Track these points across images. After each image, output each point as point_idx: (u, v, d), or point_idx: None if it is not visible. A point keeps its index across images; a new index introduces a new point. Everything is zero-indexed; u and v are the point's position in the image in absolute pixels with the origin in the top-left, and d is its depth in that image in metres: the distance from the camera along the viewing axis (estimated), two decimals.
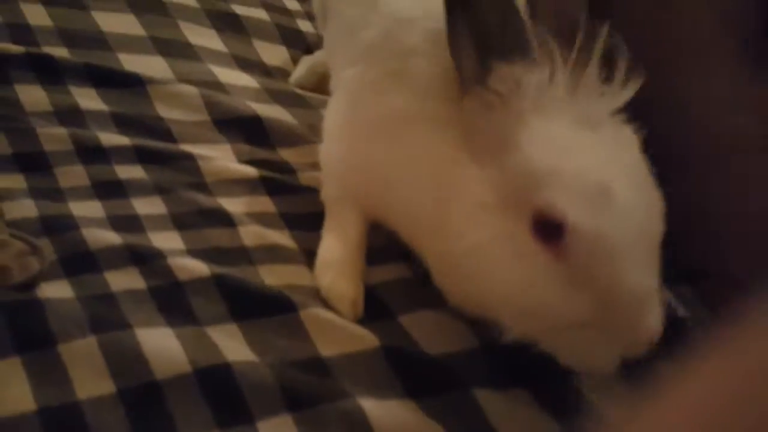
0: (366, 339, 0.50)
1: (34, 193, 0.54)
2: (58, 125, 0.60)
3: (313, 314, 0.50)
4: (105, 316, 0.47)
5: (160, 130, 0.64)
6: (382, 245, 0.56)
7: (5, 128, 0.58)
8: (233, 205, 0.58)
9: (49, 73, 0.64)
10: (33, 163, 0.57)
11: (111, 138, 0.60)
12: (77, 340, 0.45)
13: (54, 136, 0.59)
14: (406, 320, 0.52)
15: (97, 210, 0.55)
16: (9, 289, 0.47)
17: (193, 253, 0.53)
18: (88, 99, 0.64)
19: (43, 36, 0.68)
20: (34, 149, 0.57)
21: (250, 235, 0.55)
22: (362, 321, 0.52)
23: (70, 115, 0.62)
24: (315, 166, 0.61)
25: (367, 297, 0.53)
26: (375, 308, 0.53)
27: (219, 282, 0.50)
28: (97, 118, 0.62)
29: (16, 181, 0.55)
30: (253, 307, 0.50)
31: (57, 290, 0.48)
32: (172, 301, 0.49)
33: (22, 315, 0.45)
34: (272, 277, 0.53)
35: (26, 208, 0.52)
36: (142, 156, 0.60)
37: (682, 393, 0.26)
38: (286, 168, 0.63)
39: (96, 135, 0.60)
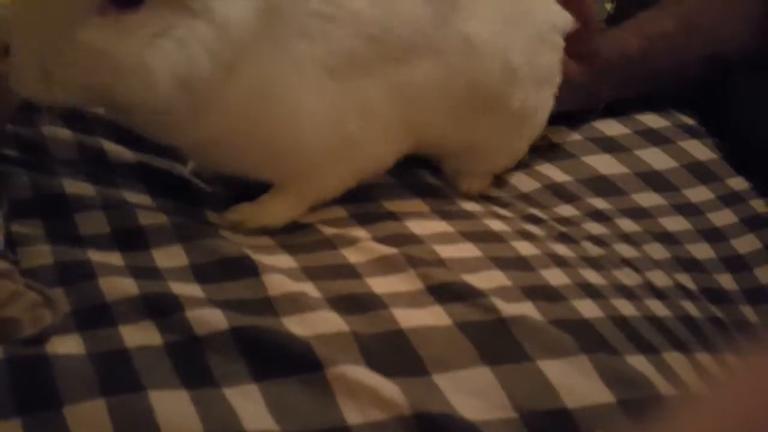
0: (397, 404, 0.46)
1: (52, 238, 0.52)
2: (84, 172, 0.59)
3: (339, 374, 0.47)
4: (116, 376, 0.44)
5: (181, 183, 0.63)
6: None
7: (29, 171, 0.57)
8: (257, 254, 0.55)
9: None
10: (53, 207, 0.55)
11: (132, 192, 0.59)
12: (85, 401, 0.42)
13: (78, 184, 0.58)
14: (443, 380, 0.48)
15: (116, 258, 0.53)
16: (18, 343, 0.45)
17: (213, 303, 0.50)
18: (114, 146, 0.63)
19: None
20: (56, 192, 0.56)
21: (275, 283, 0.53)
22: (394, 377, 0.47)
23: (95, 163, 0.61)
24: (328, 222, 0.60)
25: (399, 346, 0.50)
26: (407, 362, 0.49)
27: (239, 336, 0.47)
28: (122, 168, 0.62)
29: (32, 226, 0.53)
30: (275, 364, 0.47)
31: (68, 345, 0.45)
32: (189, 359, 0.46)
33: (28, 372, 0.43)
34: (299, 326, 0.50)
35: (42, 255, 0.50)
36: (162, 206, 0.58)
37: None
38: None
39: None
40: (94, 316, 0.48)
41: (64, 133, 0.61)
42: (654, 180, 0.76)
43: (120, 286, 0.49)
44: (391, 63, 0.57)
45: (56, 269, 0.50)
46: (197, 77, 0.48)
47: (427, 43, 0.58)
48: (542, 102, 0.70)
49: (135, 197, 0.58)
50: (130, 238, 0.54)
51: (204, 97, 0.49)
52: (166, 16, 0.47)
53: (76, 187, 0.57)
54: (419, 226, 0.62)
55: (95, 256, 0.51)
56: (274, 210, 0.61)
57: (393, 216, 0.64)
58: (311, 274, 0.55)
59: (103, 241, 0.54)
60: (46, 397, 0.42)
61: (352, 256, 0.57)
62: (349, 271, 0.56)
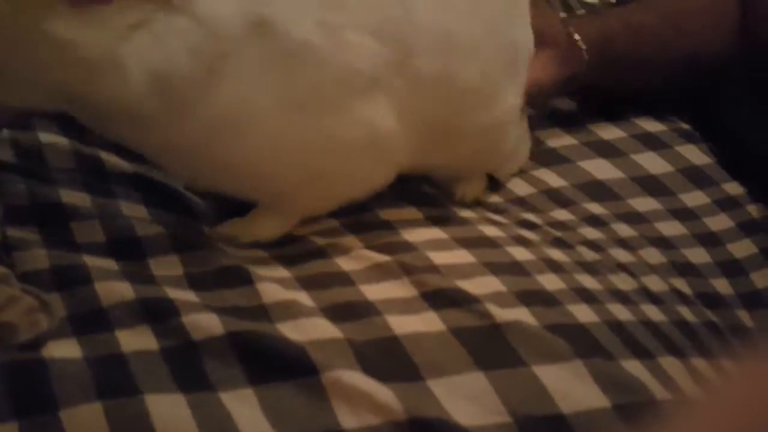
0: (392, 409, 0.46)
1: (48, 243, 0.52)
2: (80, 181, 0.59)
3: (335, 378, 0.47)
4: (113, 380, 0.44)
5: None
6: None
7: (25, 178, 0.57)
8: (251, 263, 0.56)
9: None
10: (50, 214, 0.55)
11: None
12: (81, 405, 0.42)
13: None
14: (438, 386, 0.48)
15: (111, 264, 0.53)
16: (14, 348, 0.45)
17: (209, 308, 0.50)
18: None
19: None
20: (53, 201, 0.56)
21: (268, 291, 0.52)
22: (388, 382, 0.48)
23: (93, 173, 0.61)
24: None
25: (394, 352, 0.50)
26: (402, 367, 0.49)
27: (234, 341, 0.48)
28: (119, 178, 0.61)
29: (28, 232, 0.53)
30: (271, 369, 0.47)
31: (64, 350, 0.45)
32: (185, 363, 0.46)
33: (25, 376, 0.43)
34: (294, 332, 0.50)
35: (38, 259, 0.51)
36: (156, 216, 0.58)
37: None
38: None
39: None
40: (90, 320, 0.48)
41: (62, 141, 0.61)
42: (650, 184, 0.76)
43: (116, 290, 0.49)
44: (356, 99, 0.54)
45: (52, 274, 0.50)
46: (175, 76, 0.44)
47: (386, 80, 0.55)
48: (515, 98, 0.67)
49: (131, 208, 0.58)
50: (126, 247, 0.54)
51: (180, 100, 0.46)
52: (143, 8, 0.43)
53: (72, 196, 0.57)
54: (413, 234, 0.62)
55: (91, 261, 0.52)
56: (264, 225, 0.60)
57: (387, 224, 0.64)
58: (305, 283, 0.55)
59: (99, 249, 0.54)
60: (43, 400, 0.42)
61: (345, 264, 0.57)
62: (343, 279, 0.56)
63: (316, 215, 0.62)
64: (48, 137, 0.61)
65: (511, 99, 0.65)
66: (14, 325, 0.45)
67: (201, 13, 0.45)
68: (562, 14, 0.97)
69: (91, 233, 0.55)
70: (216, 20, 0.45)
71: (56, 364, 0.44)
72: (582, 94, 0.83)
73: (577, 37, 0.78)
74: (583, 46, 0.77)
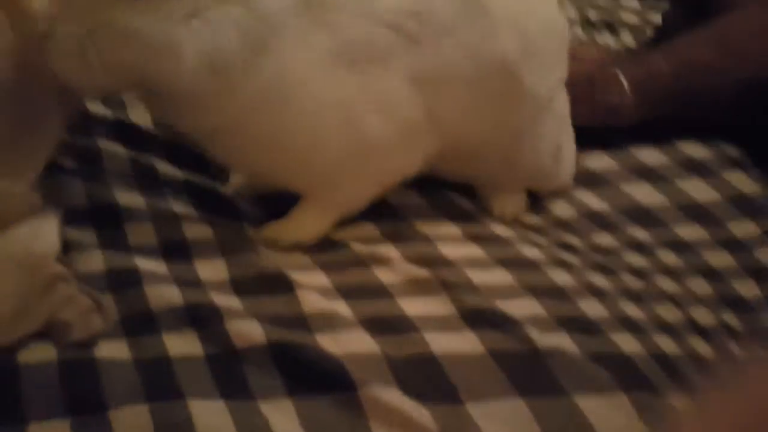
0: (428, 430, 0.46)
1: (104, 244, 0.54)
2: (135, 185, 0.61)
3: (372, 396, 0.47)
4: (160, 383, 0.46)
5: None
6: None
7: (84, 180, 0.59)
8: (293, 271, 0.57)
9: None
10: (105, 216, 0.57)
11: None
12: (129, 406, 0.43)
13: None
14: (476, 409, 0.48)
15: (162, 268, 0.55)
16: (69, 346, 0.47)
17: (252, 315, 0.51)
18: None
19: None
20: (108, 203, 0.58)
21: (309, 300, 0.53)
22: (425, 402, 0.48)
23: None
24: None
25: (431, 371, 0.50)
26: (439, 387, 0.49)
27: (275, 350, 0.49)
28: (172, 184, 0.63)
29: (86, 233, 0.55)
30: (309, 381, 0.48)
31: (114, 351, 0.47)
32: (228, 370, 0.48)
33: (78, 375, 0.45)
34: (332, 344, 0.50)
35: (94, 261, 0.53)
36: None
37: None
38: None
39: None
40: (140, 323, 0.49)
41: (119, 148, 0.64)
42: (696, 212, 0.75)
43: (165, 295, 0.51)
44: (411, 50, 0.56)
45: (106, 276, 0.52)
46: (225, 56, 0.48)
47: (448, 26, 0.57)
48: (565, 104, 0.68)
49: (182, 209, 0.60)
50: (176, 250, 0.56)
51: (229, 77, 0.49)
52: (201, 2, 0.48)
53: (127, 197, 0.59)
54: (451, 249, 0.62)
55: (143, 264, 0.53)
56: (304, 224, 0.61)
57: (425, 237, 0.64)
58: (344, 292, 0.56)
59: (150, 251, 0.55)
60: (94, 400, 0.43)
61: (384, 275, 0.58)
62: (381, 292, 0.56)
63: (354, 209, 0.62)
64: (106, 144, 0.64)
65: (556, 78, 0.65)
66: (70, 324, 0.47)
67: (254, 3, 0.49)
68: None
69: (143, 235, 0.57)
70: (266, 6, 0.50)
71: (107, 364, 0.46)
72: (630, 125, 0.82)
73: (622, 77, 0.77)
74: (624, 82, 0.77)
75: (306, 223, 0.61)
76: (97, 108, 0.67)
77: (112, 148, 0.64)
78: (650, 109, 0.79)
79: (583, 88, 0.75)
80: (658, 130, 0.82)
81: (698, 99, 0.81)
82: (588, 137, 0.76)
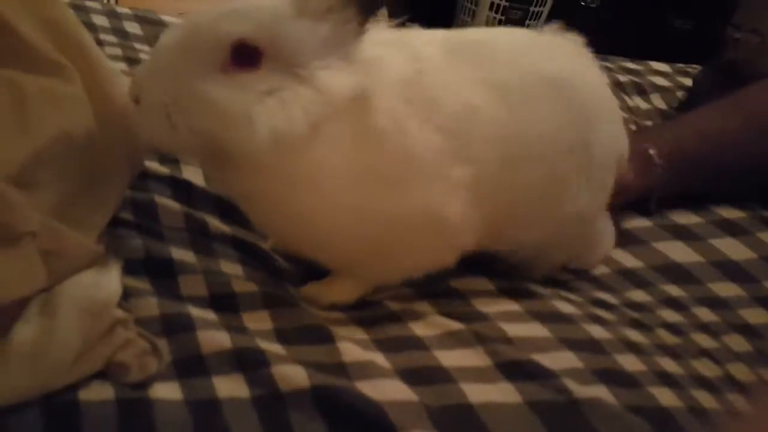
0: None
1: (158, 292, 0.57)
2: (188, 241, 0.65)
3: None
4: (208, 423, 0.47)
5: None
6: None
7: (141, 234, 0.63)
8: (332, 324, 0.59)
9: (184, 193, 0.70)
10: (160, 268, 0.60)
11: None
12: None
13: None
14: None
15: (210, 315, 0.57)
16: (126, 386, 0.49)
17: (296, 361, 0.53)
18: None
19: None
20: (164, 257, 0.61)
21: (348, 351, 0.55)
22: None
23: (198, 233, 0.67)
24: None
25: (469, 421, 0.51)
26: (474, 430, 0.50)
27: (318, 394, 0.50)
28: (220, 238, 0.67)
29: (142, 282, 0.58)
30: (351, 426, 0.49)
31: (167, 391, 0.49)
32: (273, 413, 0.49)
33: (133, 414, 0.47)
34: (372, 392, 0.52)
35: (150, 307, 0.55)
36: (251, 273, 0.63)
37: None
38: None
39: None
40: (191, 365, 0.52)
41: (173, 204, 0.68)
42: (731, 270, 0.75)
43: (216, 339, 0.53)
44: (419, 182, 0.57)
45: (161, 321, 0.55)
46: (291, 133, 0.52)
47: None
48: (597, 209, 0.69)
49: (229, 266, 0.63)
50: (224, 301, 0.59)
51: (286, 152, 0.53)
52: (277, 79, 0.52)
53: (180, 253, 0.62)
54: (485, 304, 0.64)
55: (195, 311, 0.56)
56: (340, 290, 0.64)
57: (458, 294, 0.65)
58: (381, 345, 0.57)
59: (201, 302, 0.58)
60: None
61: (419, 329, 0.59)
62: (417, 344, 0.58)
63: (390, 283, 0.65)
64: (162, 200, 0.68)
65: (585, 198, 0.65)
66: (128, 366, 0.49)
67: (320, 84, 0.53)
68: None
69: (195, 287, 0.60)
70: (331, 90, 0.53)
71: (160, 404, 0.48)
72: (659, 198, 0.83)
73: (652, 152, 0.80)
74: (659, 161, 0.79)
75: (341, 289, 0.64)
76: (154, 166, 0.72)
77: (167, 203, 0.68)
78: (679, 182, 0.81)
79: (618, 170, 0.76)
80: (687, 200, 0.83)
81: (726, 170, 0.83)
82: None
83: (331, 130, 0.54)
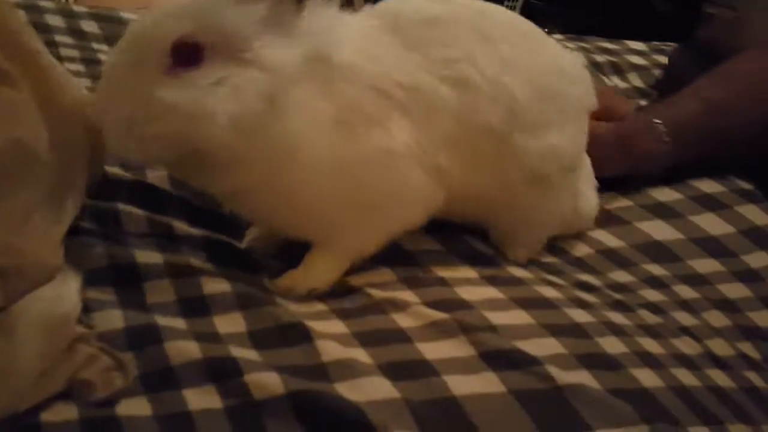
0: None
1: (122, 303, 0.55)
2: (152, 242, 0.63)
3: None
4: None
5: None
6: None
7: (103, 241, 0.61)
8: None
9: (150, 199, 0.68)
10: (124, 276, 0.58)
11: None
12: None
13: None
14: None
15: (180, 323, 0.55)
16: (90, 405, 0.47)
17: (271, 367, 0.52)
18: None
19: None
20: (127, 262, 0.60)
21: (327, 349, 0.54)
22: None
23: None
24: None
25: (453, 414, 0.50)
26: (462, 429, 0.49)
27: (295, 400, 0.49)
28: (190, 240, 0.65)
29: (105, 293, 0.56)
30: (329, 429, 0.48)
31: (135, 408, 0.48)
32: (248, 422, 0.48)
33: None
34: (352, 392, 0.50)
35: (114, 320, 0.54)
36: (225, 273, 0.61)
37: None
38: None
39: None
40: (160, 379, 0.50)
41: (137, 210, 0.66)
42: (710, 246, 0.75)
43: (185, 349, 0.51)
44: (403, 116, 0.60)
45: (126, 333, 0.53)
46: (249, 116, 0.53)
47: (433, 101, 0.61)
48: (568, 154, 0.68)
49: (199, 263, 0.61)
50: (194, 305, 0.57)
51: (251, 137, 0.54)
52: (222, 68, 0.53)
53: (146, 256, 0.60)
54: (469, 292, 0.63)
55: (162, 321, 0.54)
56: (316, 271, 0.63)
57: (442, 281, 0.64)
58: (363, 340, 0.56)
59: (169, 308, 0.56)
60: None
61: (402, 321, 0.58)
62: (401, 336, 0.57)
63: (365, 254, 0.64)
64: (125, 206, 0.65)
65: (555, 138, 0.66)
66: (92, 383, 0.47)
67: (266, 62, 0.54)
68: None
69: (162, 293, 0.58)
70: (276, 64, 0.54)
71: (128, 422, 0.46)
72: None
73: (657, 121, 0.80)
74: (663, 128, 0.80)
75: (318, 270, 0.63)
76: (116, 171, 0.69)
77: (130, 209, 0.65)
78: (683, 153, 0.81)
79: (622, 142, 0.77)
80: (682, 172, 0.83)
81: (723, 138, 0.83)
82: (604, 181, 0.77)
83: (296, 97, 0.55)
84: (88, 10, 1.02)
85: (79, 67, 0.86)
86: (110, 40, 0.95)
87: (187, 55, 0.53)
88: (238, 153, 0.54)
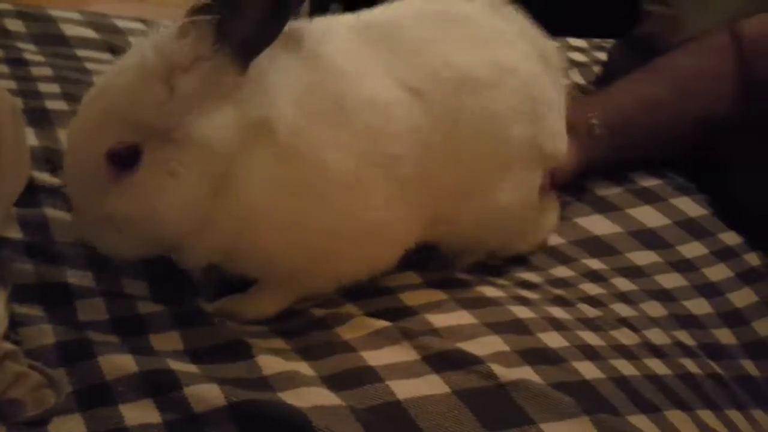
0: None
1: (53, 319, 0.53)
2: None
3: None
4: None
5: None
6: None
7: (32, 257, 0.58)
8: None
9: None
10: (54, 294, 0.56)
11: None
12: None
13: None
14: None
15: (113, 339, 0.53)
16: (21, 425, 0.45)
17: (210, 379, 0.50)
18: None
19: None
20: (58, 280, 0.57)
21: (269, 363, 0.53)
22: None
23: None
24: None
25: (398, 418, 0.50)
26: (403, 426, 0.49)
27: (236, 411, 0.48)
28: None
29: (34, 309, 0.54)
30: None
31: (69, 426, 0.46)
32: None
33: None
34: (296, 401, 0.50)
35: (44, 335, 0.51)
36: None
37: None
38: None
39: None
40: (94, 395, 0.48)
41: (67, 216, 0.63)
42: (647, 238, 0.77)
43: (119, 364, 0.50)
44: (345, 192, 0.57)
45: (57, 349, 0.51)
46: (199, 199, 0.53)
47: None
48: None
49: (133, 285, 0.60)
50: (129, 325, 0.55)
51: (203, 220, 0.54)
52: (160, 158, 0.52)
53: (77, 275, 0.58)
54: (412, 298, 0.63)
55: (95, 336, 0.52)
56: (262, 303, 0.61)
57: (386, 290, 0.64)
58: (305, 354, 0.56)
59: (102, 326, 0.54)
60: None
61: (345, 333, 0.58)
62: (344, 347, 0.56)
63: (314, 292, 0.62)
64: (54, 213, 0.63)
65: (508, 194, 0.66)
66: (22, 402, 0.45)
67: (197, 140, 0.52)
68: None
69: (94, 311, 0.56)
70: (210, 139, 0.52)
71: None
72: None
73: (595, 122, 0.80)
74: (600, 132, 0.80)
75: (264, 302, 0.61)
76: (44, 177, 0.66)
77: (60, 217, 0.63)
78: (619, 152, 0.82)
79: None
80: (619, 169, 0.84)
81: (658, 136, 0.85)
82: None
83: (247, 166, 0.54)
84: (14, 8, 0.97)
85: (4, 68, 0.82)
86: (37, 39, 0.91)
87: (124, 159, 0.52)
88: (200, 231, 0.54)
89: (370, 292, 0.64)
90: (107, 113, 0.53)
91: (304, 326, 0.59)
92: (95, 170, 0.52)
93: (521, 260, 0.73)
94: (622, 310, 0.68)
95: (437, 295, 0.64)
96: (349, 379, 0.53)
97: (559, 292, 0.68)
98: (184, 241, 0.55)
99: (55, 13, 0.99)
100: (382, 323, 0.59)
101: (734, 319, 0.71)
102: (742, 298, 0.73)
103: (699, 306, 0.71)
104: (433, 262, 0.68)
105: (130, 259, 0.58)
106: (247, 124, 0.53)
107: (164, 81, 0.52)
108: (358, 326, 0.59)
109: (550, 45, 0.71)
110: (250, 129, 0.53)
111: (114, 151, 0.52)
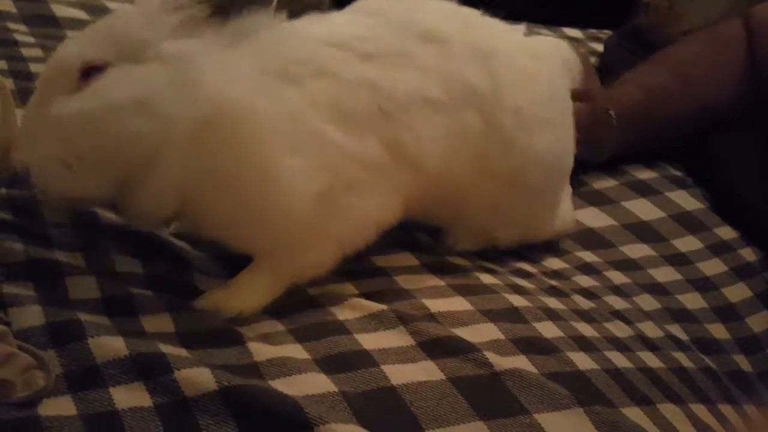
0: None
1: (43, 299, 0.52)
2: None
3: None
4: None
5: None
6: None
7: (22, 237, 0.57)
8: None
9: None
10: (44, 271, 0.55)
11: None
12: None
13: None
14: None
15: (104, 320, 0.53)
16: (10, 406, 0.44)
17: (202, 363, 0.49)
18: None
19: None
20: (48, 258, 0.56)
21: (260, 350, 0.52)
22: None
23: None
24: None
25: (391, 403, 0.49)
26: (400, 418, 0.49)
27: (227, 396, 0.47)
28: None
29: (24, 288, 0.53)
30: (264, 425, 0.46)
31: (59, 407, 0.45)
32: (179, 420, 0.46)
33: None
34: (287, 389, 0.49)
35: (34, 316, 0.50)
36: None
37: None
38: None
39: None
40: (85, 377, 0.47)
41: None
42: (642, 231, 0.77)
43: (110, 346, 0.49)
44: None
45: (47, 330, 0.50)
46: (157, 97, 0.52)
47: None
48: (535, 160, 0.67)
49: (125, 263, 0.58)
50: (120, 304, 0.54)
51: (166, 118, 0.53)
52: (126, 70, 0.53)
53: (68, 254, 0.57)
54: (408, 281, 0.63)
55: (85, 317, 0.51)
56: (246, 295, 0.58)
57: (382, 271, 0.64)
58: (298, 335, 0.55)
59: (93, 306, 0.54)
60: None
61: (340, 313, 0.57)
62: (338, 329, 0.56)
63: (306, 277, 0.60)
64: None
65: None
66: (11, 383, 0.45)
67: (169, 53, 0.53)
68: None
69: (85, 290, 0.55)
70: (181, 53, 0.53)
71: (52, 422, 0.44)
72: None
73: (612, 113, 0.80)
74: (617, 124, 0.80)
75: (250, 293, 0.58)
76: None
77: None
78: (625, 142, 0.83)
79: (583, 125, 0.75)
80: (619, 162, 0.84)
81: (662, 126, 0.85)
82: None
83: (212, 64, 0.53)
84: None
85: None
86: (28, 19, 0.89)
87: (94, 71, 0.53)
88: (171, 152, 0.52)
89: (366, 272, 0.63)
90: (93, 34, 0.55)
91: (297, 306, 0.58)
92: (64, 81, 0.53)
93: (515, 251, 0.72)
94: (616, 302, 0.68)
95: (433, 279, 0.63)
96: (344, 362, 0.52)
97: (553, 282, 0.68)
98: (137, 175, 0.53)
99: None
100: (378, 306, 0.58)
101: (728, 314, 0.72)
102: (737, 293, 0.74)
103: (693, 300, 0.72)
104: (436, 246, 0.67)
105: (72, 200, 0.56)
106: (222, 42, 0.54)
107: (149, 18, 0.54)
108: (353, 307, 0.58)
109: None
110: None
111: (88, 65, 0.53)
